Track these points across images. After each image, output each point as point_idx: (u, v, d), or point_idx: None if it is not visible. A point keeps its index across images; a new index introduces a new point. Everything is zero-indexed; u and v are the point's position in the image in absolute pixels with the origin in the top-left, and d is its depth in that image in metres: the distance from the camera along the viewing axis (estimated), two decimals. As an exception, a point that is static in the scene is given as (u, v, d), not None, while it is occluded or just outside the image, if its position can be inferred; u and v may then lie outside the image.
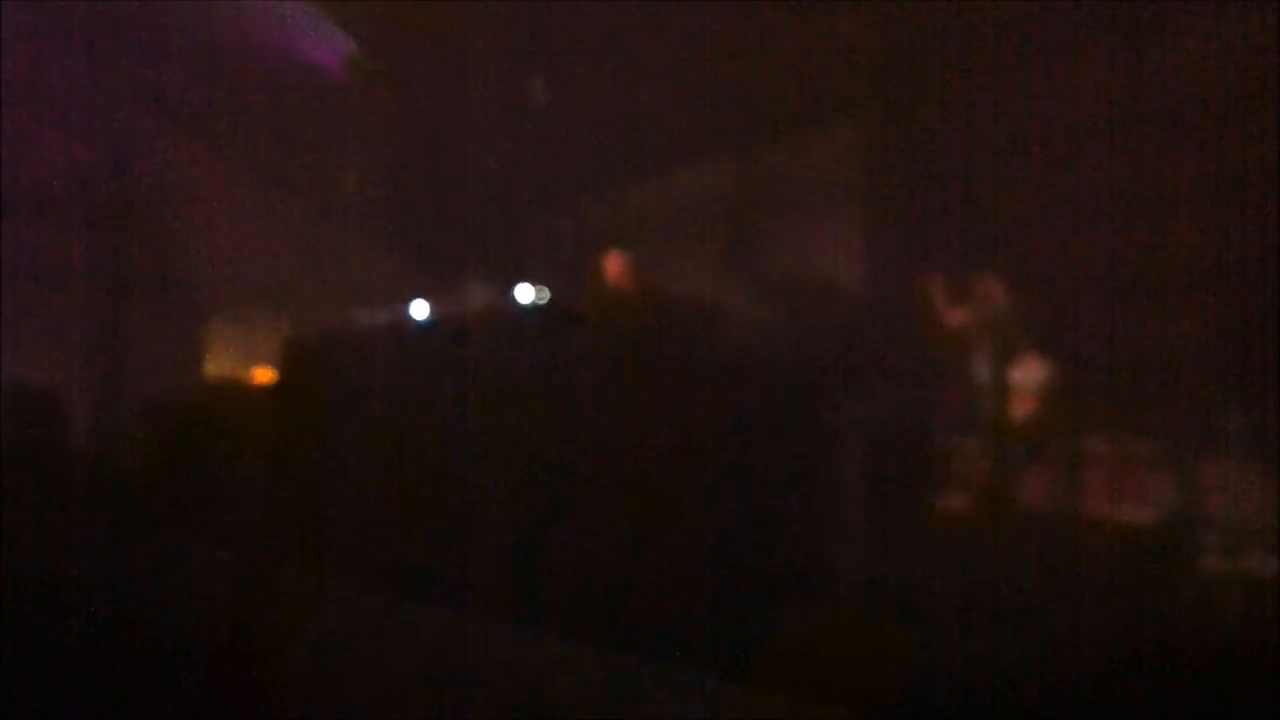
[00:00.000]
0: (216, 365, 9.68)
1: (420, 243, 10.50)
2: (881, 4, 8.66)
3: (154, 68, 9.42)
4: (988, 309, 7.48)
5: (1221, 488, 6.22)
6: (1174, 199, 7.39)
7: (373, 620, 5.51)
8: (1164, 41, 7.54)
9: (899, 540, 5.83)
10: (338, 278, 10.23)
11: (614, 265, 7.40)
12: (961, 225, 8.39)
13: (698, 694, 4.02)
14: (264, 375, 8.35)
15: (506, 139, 9.86)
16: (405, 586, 5.96)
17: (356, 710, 5.11)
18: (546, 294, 7.14)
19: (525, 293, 7.29)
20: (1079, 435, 6.77)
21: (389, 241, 10.31)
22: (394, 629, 5.41)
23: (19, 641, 5.90)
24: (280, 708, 5.29)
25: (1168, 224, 7.39)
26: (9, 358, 8.76)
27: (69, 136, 9.66)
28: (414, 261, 10.19)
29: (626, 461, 5.67)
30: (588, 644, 4.64)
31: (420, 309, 7.76)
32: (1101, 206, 7.69)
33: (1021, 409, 7.07)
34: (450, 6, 9.61)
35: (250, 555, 6.21)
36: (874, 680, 4.18)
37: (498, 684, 4.60)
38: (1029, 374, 7.28)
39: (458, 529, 6.03)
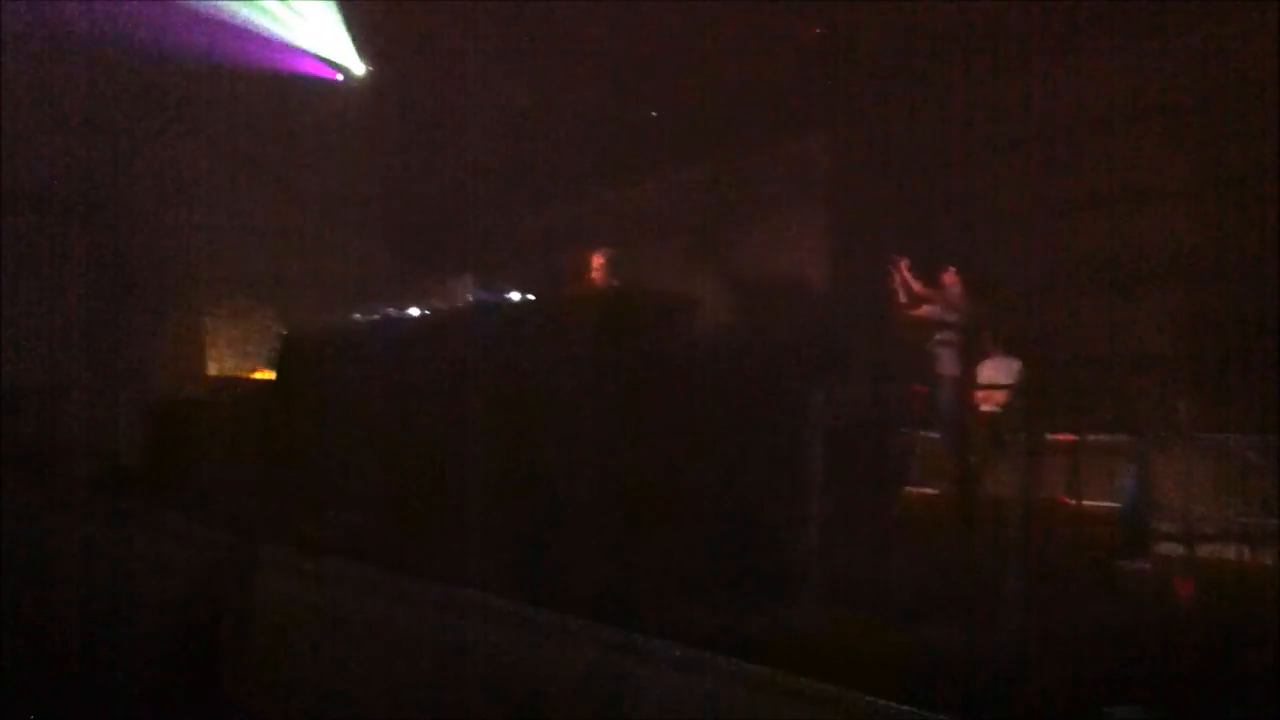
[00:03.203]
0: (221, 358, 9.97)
1: (409, 244, 10.51)
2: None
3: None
4: (955, 306, 7.53)
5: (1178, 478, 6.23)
6: (1141, 200, 7.46)
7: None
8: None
9: (863, 527, 5.92)
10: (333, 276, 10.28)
11: (593, 263, 7.47)
12: (929, 225, 8.45)
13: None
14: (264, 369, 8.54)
15: (490, 145, 9.94)
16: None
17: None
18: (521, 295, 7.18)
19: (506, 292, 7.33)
20: (1044, 426, 6.78)
21: (381, 242, 10.38)
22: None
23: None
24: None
25: (1134, 224, 7.44)
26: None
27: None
28: (403, 262, 10.21)
29: (609, 449, 5.76)
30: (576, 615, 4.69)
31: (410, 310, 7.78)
32: (1066, 207, 7.75)
33: (988, 402, 7.12)
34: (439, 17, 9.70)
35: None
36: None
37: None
38: (996, 369, 7.33)
39: (446, 511, 6.13)
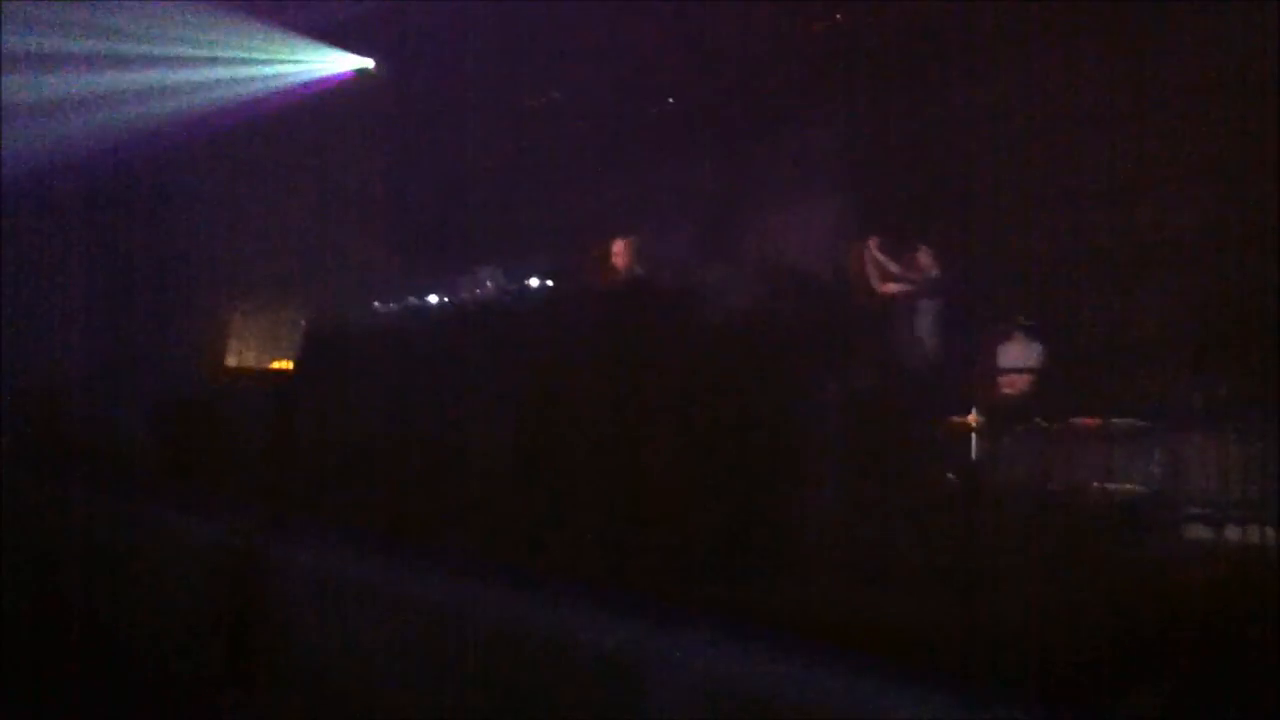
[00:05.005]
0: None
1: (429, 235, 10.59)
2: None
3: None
4: (929, 283, 7.53)
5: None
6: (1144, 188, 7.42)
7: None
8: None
9: (874, 507, 5.93)
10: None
11: (611, 249, 7.54)
12: (943, 213, 8.45)
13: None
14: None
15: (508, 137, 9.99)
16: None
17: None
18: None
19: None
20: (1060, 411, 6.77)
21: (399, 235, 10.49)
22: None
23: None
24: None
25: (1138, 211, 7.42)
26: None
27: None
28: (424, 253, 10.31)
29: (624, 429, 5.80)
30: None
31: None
32: (1077, 194, 7.71)
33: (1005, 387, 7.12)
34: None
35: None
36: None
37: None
38: (1012, 353, 7.32)
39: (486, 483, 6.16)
